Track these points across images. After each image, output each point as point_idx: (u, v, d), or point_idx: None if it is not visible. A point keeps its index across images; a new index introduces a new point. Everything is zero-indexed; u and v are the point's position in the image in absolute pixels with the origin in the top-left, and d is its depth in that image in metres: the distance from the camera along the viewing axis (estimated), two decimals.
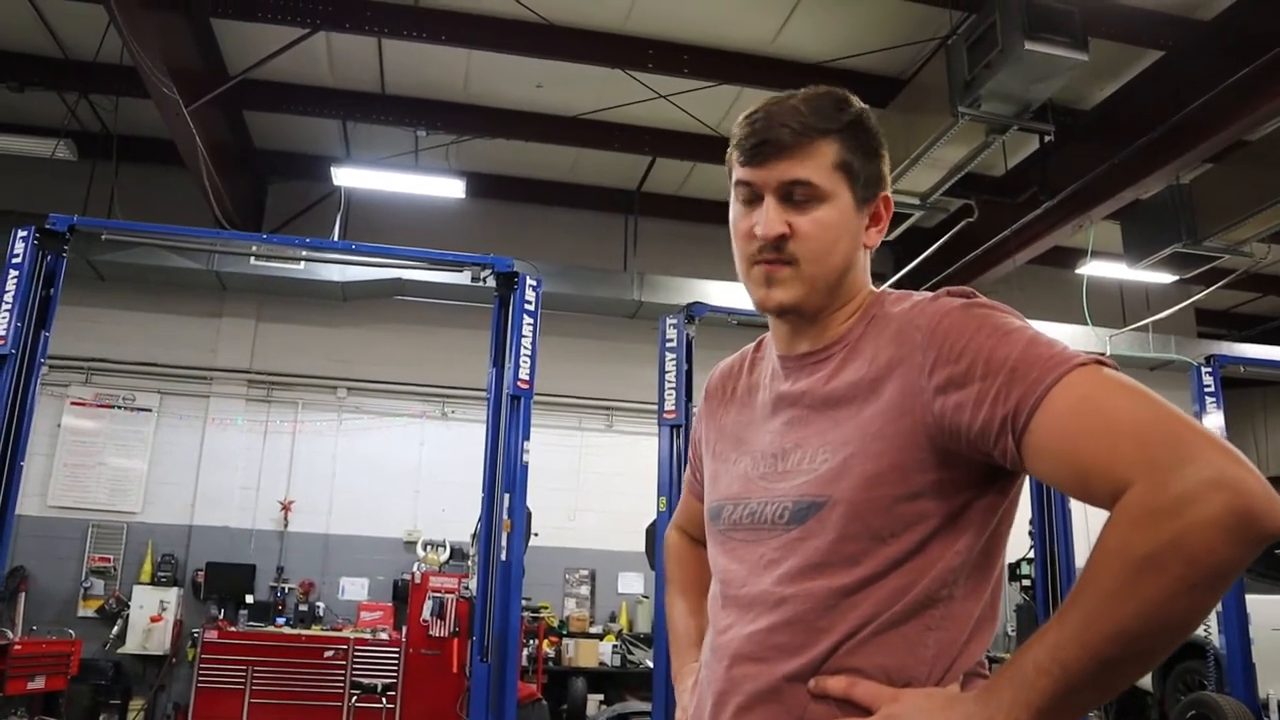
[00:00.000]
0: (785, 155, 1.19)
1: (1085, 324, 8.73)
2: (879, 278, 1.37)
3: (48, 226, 4.67)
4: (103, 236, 5.36)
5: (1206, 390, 6.48)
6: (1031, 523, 6.63)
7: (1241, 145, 7.54)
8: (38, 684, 7.09)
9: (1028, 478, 1.13)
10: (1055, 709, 0.95)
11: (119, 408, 9.24)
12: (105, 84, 7.78)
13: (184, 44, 6.74)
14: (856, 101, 1.24)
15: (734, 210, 1.28)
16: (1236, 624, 6.13)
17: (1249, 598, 6.22)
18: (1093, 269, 9.15)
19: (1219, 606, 6.27)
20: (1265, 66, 5.93)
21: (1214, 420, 6.52)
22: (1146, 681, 8.49)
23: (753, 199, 1.23)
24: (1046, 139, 7.12)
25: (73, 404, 9.14)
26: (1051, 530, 6.49)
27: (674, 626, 1.53)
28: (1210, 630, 6.51)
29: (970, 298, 1.14)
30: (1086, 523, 6.12)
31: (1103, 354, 1.04)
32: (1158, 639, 0.92)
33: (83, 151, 8.28)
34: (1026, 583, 7.38)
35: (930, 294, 1.19)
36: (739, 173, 1.24)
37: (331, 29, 6.95)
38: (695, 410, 1.57)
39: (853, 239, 1.24)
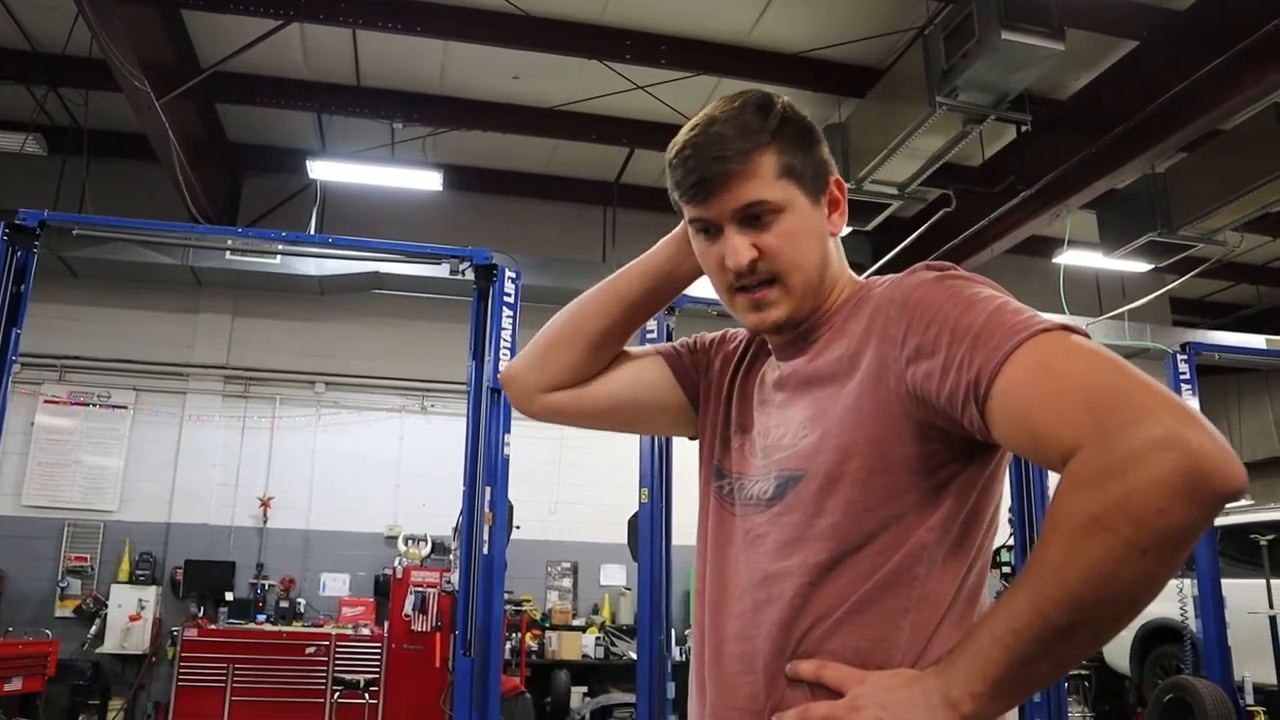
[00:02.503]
0: (729, 184, 1.17)
1: (1062, 313, 8.79)
2: (857, 268, 1.35)
3: (18, 222, 4.59)
4: (74, 232, 5.27)
5: (1182, 377, 6.54)
6: (1011, 509, 6.68)
7: (1216, 134, 7.60)
8: (15, 685, 7.02)
9: (1012, 456, 1.12)
10: (1011, 678, 0.93)
11: (94, 405, 9.13)
12: (75, 77, 7.65)
13: (155, 36, 6.65)
14: (777, 99, 1.22)
15: (698, 244, 1.27)
16: (1212, 608, 6.20)
17: (1225, 582, 6.30)
18: (1069, 258, 9.22)
19: (1194, 591, 6.35)
20: (1239, 55, 5.97)
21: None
22: (1124, 665, 8.59)
23: (713, 230, 1.22)
24: (1023, 129, 7.15)
25: (46, 402, 9.03)
26: (1032, 517, 6.53)
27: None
28: (1187, 615, 6.59)
29: (945, 270, 1.13)
30: None
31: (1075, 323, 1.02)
32: (1110, 605, 0.89)
33: (53, 146, 8.16)
34: (1007, 570, 7.43)
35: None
36: (690, 211, 1.23)
37: (305, 20, 6.87)
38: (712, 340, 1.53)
39: (819, 235, 1.23)
